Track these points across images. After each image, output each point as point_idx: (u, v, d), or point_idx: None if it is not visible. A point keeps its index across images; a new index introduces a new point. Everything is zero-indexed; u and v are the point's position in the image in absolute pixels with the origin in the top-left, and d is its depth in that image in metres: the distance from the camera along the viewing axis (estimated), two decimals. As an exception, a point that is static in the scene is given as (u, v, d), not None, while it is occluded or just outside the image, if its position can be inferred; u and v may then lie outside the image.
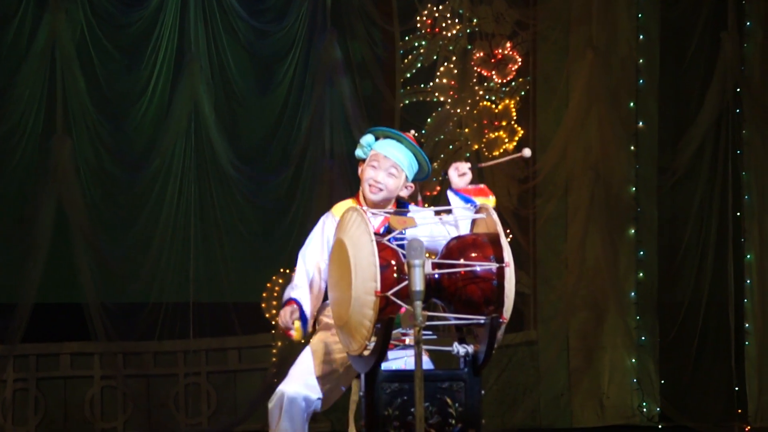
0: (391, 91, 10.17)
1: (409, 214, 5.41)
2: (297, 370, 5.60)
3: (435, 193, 9.82)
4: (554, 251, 10.52)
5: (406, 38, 10.29)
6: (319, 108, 9.80)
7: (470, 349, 4.94)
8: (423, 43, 10.26)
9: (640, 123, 10.55)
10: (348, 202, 5.64)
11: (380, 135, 5.67)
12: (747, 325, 10.39)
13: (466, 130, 10.22)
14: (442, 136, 10.24)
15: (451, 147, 10.24)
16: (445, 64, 10.22)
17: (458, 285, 4.91)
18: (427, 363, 5.31)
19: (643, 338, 10.45)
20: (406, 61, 10.29)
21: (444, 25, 10.22)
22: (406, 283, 4.72)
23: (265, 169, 9.82)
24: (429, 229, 5.47)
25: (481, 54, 10.26)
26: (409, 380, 4.77)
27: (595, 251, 10.36)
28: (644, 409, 10.39)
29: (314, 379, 5.53)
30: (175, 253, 9.55)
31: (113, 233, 9.55)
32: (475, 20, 10.29)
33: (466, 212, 5.36)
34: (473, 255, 4.94)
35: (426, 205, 5.74)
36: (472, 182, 5.62)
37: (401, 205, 5.68)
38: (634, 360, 10.41)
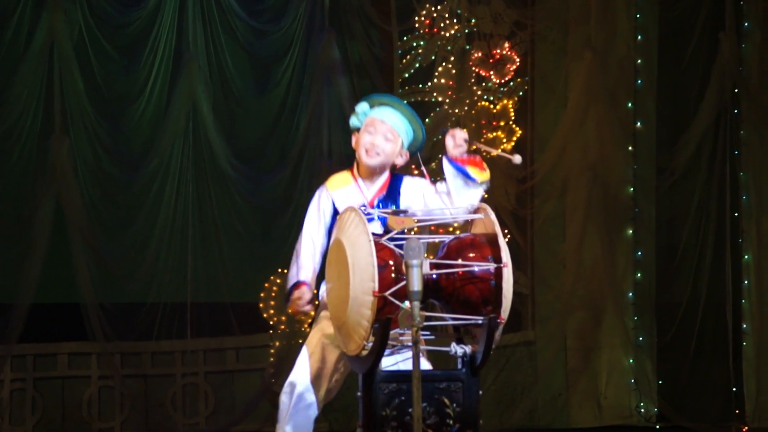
0: (390, 90, 10.16)
1: (407, 214, 5.41)
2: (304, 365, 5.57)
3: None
4: (552, 251, 10.52)
5: (405, 38, 10.28)
6: (317, 108, 9.80)
7: (468, 349, 4.94)
8: (421, 43, 10.26)
9: (638, 123, 10.55)
10: (343, 174, 5.68)
11: (375, 102, 5.69)
12: (745, 325, 10.40)
13: (465, 130, 10.19)
14: (440, 137, 10.22)
15: (449, 147, 10.21)
16: (444, 64, 10.22)
17: (456, 285, 4.91)
18: (424, 364, 5.31)
19: (640, 338, 10.45)
20: (404, 61, 10.29)
21: (442, 25, 10.22)
22: (404, 283, 4.72)
23: (263, 169, 9.82)
24: (423, 201, 5.50)
25: (480, 54, 10.26)
26: (407, 380, 4.77)
27: (592, 251, 10.35)
28: (642, 410, 10.39)
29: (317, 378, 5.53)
30: (173, 253, 9.55)
31: (111, 233, 9.54)
32: (473, 20, 10.28)
33: (464, 213, 5.35)
34: (471, 255, 4.95)
35: (432, 179, 5.71)
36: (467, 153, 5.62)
37: (395, 176, 5.67)
38: (631, 360, 10.41)
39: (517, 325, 10.27)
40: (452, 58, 10.23)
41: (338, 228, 5.07)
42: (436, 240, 5.19)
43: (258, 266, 9.70)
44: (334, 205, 5.60)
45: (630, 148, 10.53)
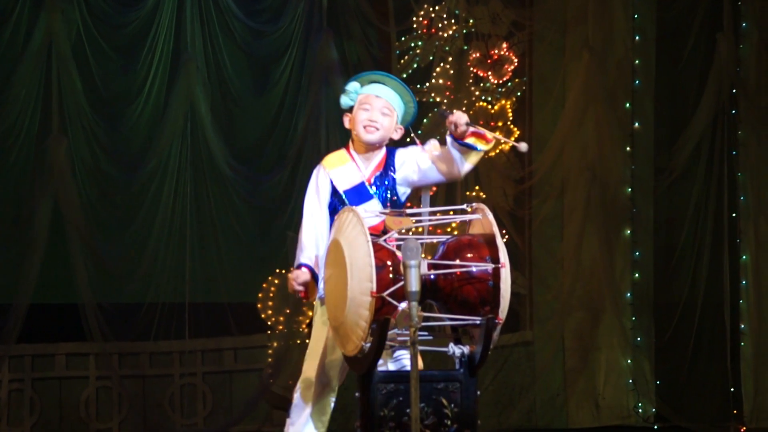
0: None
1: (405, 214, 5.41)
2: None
3: (431, 193, 9.81)
4: (550, 252, 10.52)
5: (402, 39, 10.28)
6: (315, 108, 9.79)
7: (466, 349, 4.94)
8: (419, 43, 10.26)
9: (636, 124, 10.55)
10: (339, 153, 5.68)
11: (365, 80, 5.69)
12: (742, 325, 10.40)
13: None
14: (438, 137, 10.22)
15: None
16: (442, 64, 10.22)
17: (454, 286, 4.91)
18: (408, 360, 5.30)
19: (638, 339, 10.45)
20: (402, 61, 10.28)
21: (440, 25, 10.21)
22: (401, 283, 4.72)
23: (262, 169, 9.82)
24: (416, 164, 5.51)
25: (478, 54, 10.26)
26: (405, 381, 4.77)
27: (591, 252, 10.35)
28: (640, 410, 10.39)
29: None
30: (171, 253, 9.55)
31: (109, 233, 9.54)
32: (471, 21, 10.28)
33: (462, 213, 5.35)
34: (469, 256, 4.94)
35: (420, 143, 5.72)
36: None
37: (390, 151, 5.67)
38: (629, 360, 10.41)
39: (515, 326, 10.27)
40: (450, 59, 10.23)
41: (336, 228, 5.07)
42: (434, 240, 5.18)
43: (256, 266, 9.70)
44: (332, 183, 5.59)
45: (628, 148, 10.53)
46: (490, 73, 10.29)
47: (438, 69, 10.22)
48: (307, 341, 5.77)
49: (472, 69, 10.24)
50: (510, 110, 10.31)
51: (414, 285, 4.61)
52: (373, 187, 5.56)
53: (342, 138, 9.64)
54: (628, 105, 10.55)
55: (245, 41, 9.81)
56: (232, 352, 9.84)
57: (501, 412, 10.22)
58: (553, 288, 10.43)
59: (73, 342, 9.56)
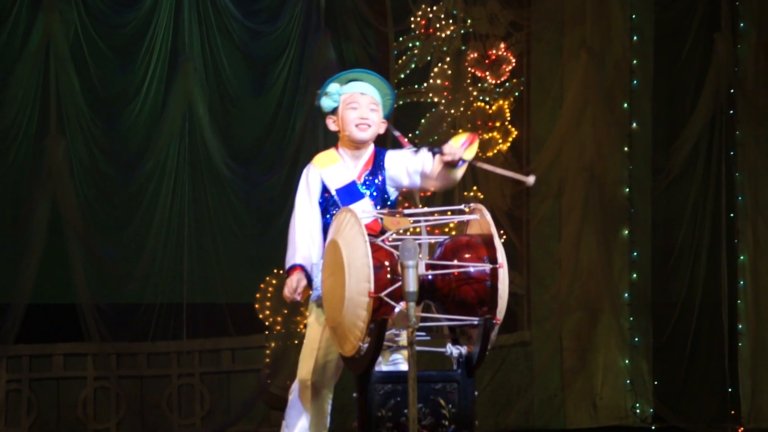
0: (385, 91, 10.15)
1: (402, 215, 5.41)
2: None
3: (428, 194, 9.82)
4: (548, 252, 10.52)
5: (400, 39, 10.28)
6: (313, 109, 9.78)
7: (464, 350, 4.94)
8: (417, 43, 10.26)
9: (634, 124, 10.55)
10: (329, 153, 5.67)
11: (344, 80, 5.68)
12: (740, 326, 10.40)
13: (460, 131, 10.21)
14: (436, 137, 10.24)
15: (445, 148, 10.21)
16: (439, 64, 10.22)
17: (452, 286, 4.91)
18: (404, 364, 5.29)
19: (636, 339, 10.45)
20: (400, 61, 10.28)
21: (438, 25, 10.21)
22: (399, 284, 4.72)
23: (259, 170, 9.81)
24: (406, 169, 5.50)
25: (475, 55, 10.26)
26: (403, 381, 4.76)
27: (588, 252, 10.35)
28: (637, 410, 10.39)
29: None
30: (168, 253, 9.54)
31: (107, 234, 9.54)
32: (469, 21, 10.28)
33: (460, 213, 5.34)
34: (467, 256, 4.94)
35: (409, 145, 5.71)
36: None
37: (379, 150, 5.66)
38: (627, 361, 10.41)
39: (512, 326, 10.27)
40: (448, 59, 10.22)
41: (334, 229, 5.06)
42: (432, 241, 5.18)
43: (254, 267, 9.70)
44: (323, 182, 5.59)
45: (626, 148, 10.53)
46: (488, 73, 10.29)
47: (436, 69, 10.21)
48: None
49: (470, 69, 10.24)
50: (508, 110, 10.31)
51: (411, 285, 4.61)
52: (364, 186, 5.55)
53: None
54: (626, 105, 10.54)
55: (243, 41, 9.80)
56: (229, 353, 9.83)
57: (499, 412, 10.22)
58: (551, 288, 10.42)
59: (70, 342, 9.55)
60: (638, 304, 10.49)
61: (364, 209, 5.37)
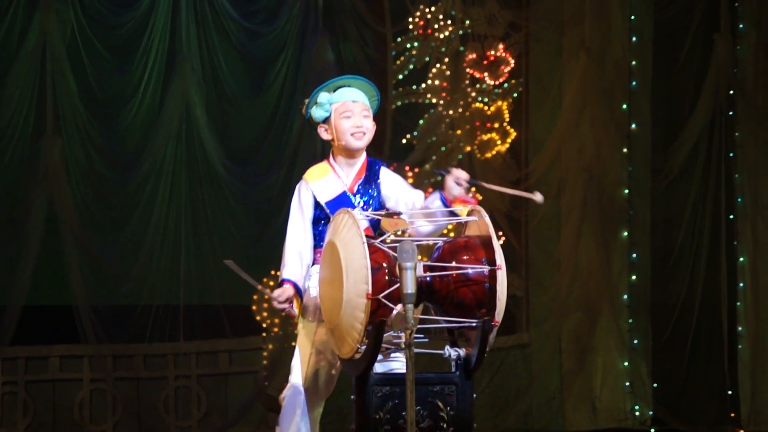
0: (383, 92, 10.13)
1: (401, 216, 5.38)
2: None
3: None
4: (547, 253, 10.50)
5: (398, 40, 10.26)
6: (311, 109, 9.75)
7: (462, 352, 4.91)
8: (415, 44, 10.24)
9: (633, 125, 10.53)
10: (320, 165, 5.64)
11: (330, 88, 5.64)
12: (740, 328, 10.38)
13: (459, 131, 10.19)
14: (434, 138, 10.22)
15: (443, 149, 10.21)
16: (438, 65, 10.20)
17: (450, 288, 4.88)
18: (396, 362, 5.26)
19: (635, 341, 10.43)
20: (398, 62, 10.26)
21: (436, 26, 10.19)
22: (397, 285, 4.70)
23: (257, 171, 9.79)
24: (397, 193, 5.47)
25: (474, 55, 10.24)
26: (401, 384, 4.74)
27: (587, 253, 10.34)
28: (637, 413, 10.37)
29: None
30: (165, 254, 9.53)
31: (104, 234, 9.52)
32: (467, 22, 10.27)
33: (457, 215, 5.32)
34: (465, 258, 4.91)
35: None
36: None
37: (372, 160, 5.62)
38: (626, 363, 10.39)
39: (511, 328, 10.25)
40: (446, 60, 10.21)
41: (331, 230, 5.04)
42: (430, 242, 5.15)
43: (251, 268, 9.55)
44: (314, 196, 5.57)
45: (625, 149, 10.52)
46: (486, 74, 10.27)
47: (434, 70, 10.20)
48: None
49: (468, 70, 10.21)
50: (506, 111, 10.29)
51: (410, 287, 4.59)
52: (357, 196, 5.52)
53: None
54: (625, 106, 10.53)
55: (240, 42, 9.79)
56: (226, 355, 9.82)
57: (497, 414, 10.20)
58: (550, 290, 10.41)
59: (66, 344, 9.54)
60: (637, 306, 10.48)
61: (362, 212, 5.34)
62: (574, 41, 10.43)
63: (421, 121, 10.21)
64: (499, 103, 10.28)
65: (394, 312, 4.83)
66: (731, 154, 10.46)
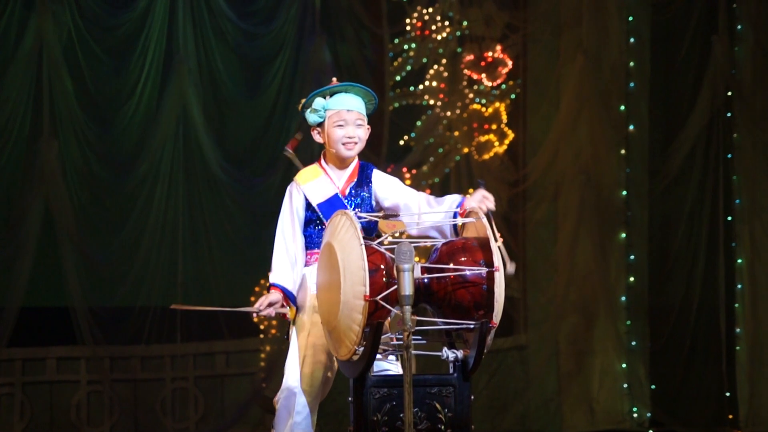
0: (381, 94, 10.13)
1: (400, 217, 5.38)
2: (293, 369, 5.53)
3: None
4: (544, 255, 10.49)
5: (396, 41, 10.26)
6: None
7: (460, 354, 4.90)
8: (412, 45, 10.23)
9: (631, 126, 10.53)
10: (312, 167, 5.62)
11: (326, 94, 5.62)
12: (738, 329, 10.36)
13: (456, 133, 10.19)
14: (431, 140, 10.21)
15: (440, 150, 10.21)
16: (435, 66, 10.19)
17: (448, 289, 4.87)
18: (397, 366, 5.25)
19: (633, 343, 10.42)
20: (395, 63, 10.26)
21: (434, 27, 10.19)
22: (395, 287, 4.68)
23: (254, 172, 9.79)
24: (396, 195, 5.44)
25: (471, 57, 10.23)
26: (398, 385, 4.73)
27: (585, 255, 10.33)
28: (634, 414, 10.36)
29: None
30: (163, 256, 9.53)
31: (101, 237, 9.52)
32: (465, 23, 10.26)
33: (457, 216, 5.31)
34: (463, 259, 4.90)
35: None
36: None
37: (364, 164, 5.61)
38: (624, 364, 10.38)
39: (509, 330, 10.24)
40: (444, 61, 10.20)
41: (329, 232, 5.03)
42: (428, 244, 5.14)
43: (248, 270, 9.67)
44: (306, 198, 5.56)
45: (623, 151, 10.51)
46: (484, 75, 10.26)
47: (431, 71, 10.19)
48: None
49: (465, 71, 10.21)
50: (504, 113, 10.28)
51: (407, 289, 4.58)
52: (349, 198, 5.51)
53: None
54: (622, 108, 10.52)
55: (238, 43, 9.78)
56: (224, 356, 9.81)
57: (495, 416, 10.19)
58: (548, 292, 10.40)
59: (64, 346, 9.54)
60: (635, 308, 10.47)
61: (359, 214, 5.32)
62: (572, 43, 10.42)
63: (418, 123, 10.20)
64: (497, 104, 10.27)
65: (392, 314, 4.82)
66: (729, 156, 10.44)
